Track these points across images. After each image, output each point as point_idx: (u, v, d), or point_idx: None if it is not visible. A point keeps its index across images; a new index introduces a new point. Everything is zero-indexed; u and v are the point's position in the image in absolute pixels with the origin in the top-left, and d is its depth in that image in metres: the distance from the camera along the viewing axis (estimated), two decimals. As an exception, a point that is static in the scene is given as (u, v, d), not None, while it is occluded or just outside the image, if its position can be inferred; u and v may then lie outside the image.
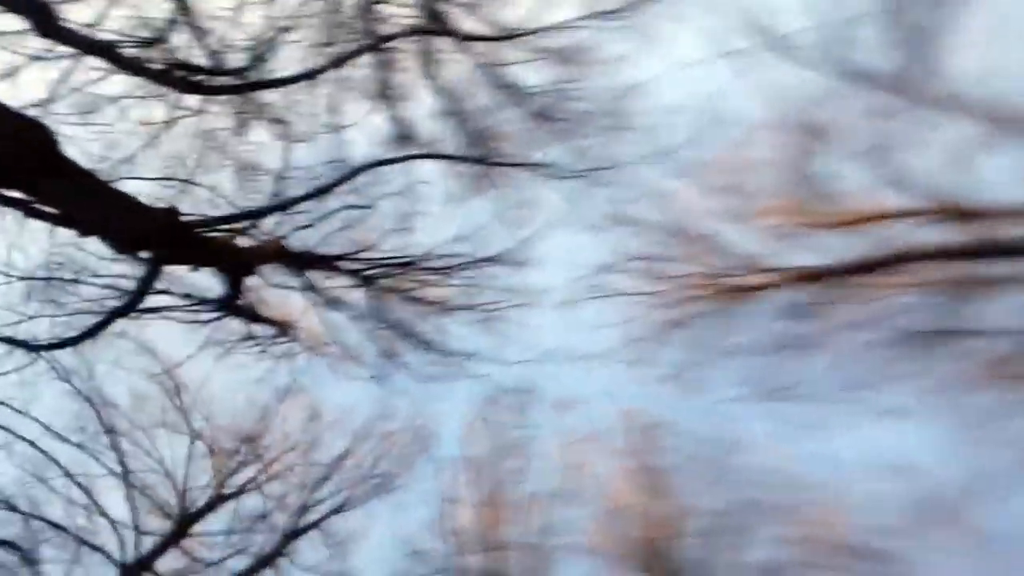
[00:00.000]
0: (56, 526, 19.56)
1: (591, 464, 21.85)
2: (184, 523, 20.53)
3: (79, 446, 19.53)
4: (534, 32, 17.88)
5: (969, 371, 16.81)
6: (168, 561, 20.30)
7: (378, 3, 17.40)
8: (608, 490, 21.73)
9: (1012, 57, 15.12)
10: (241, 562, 20.90)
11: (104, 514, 19.90)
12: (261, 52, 16.29)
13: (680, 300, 19.02)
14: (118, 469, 20.04)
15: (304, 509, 21.57)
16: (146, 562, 19.82)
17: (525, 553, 21.05)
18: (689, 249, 18.91)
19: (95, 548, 19.71)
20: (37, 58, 14.95)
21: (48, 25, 13.89)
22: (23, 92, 14.92)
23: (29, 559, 19.20)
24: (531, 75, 18.54)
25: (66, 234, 15.48)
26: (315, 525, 21.53)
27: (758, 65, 16.76)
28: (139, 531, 19.97)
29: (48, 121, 13.61)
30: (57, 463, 19.27)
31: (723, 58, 16.86)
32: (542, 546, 21.12)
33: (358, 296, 18.69)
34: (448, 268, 18.73)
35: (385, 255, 18.35)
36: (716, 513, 20.31)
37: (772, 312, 18.33)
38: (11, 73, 14.94)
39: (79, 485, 19.66)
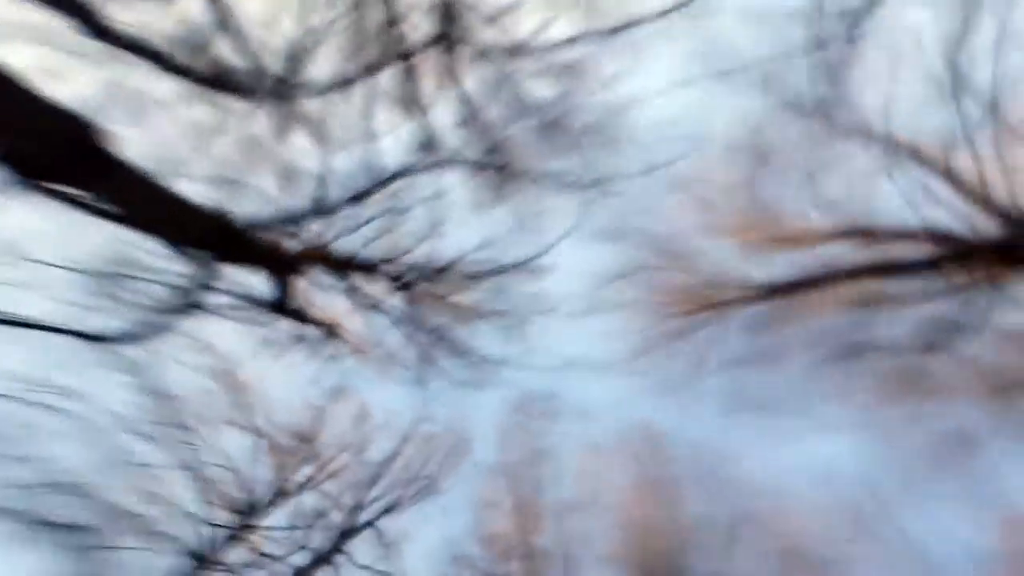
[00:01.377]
0: (128, 514, 19.82)
1: (605, 474, 22.41)
2: (248, 517, 20.99)
3: (148, 438, 20.00)
4: (542, 46, 18.27)
5: (881, 386, 18.52)
6: (231, 553, 20.67)
7: (402, 16, 17.62)
8: (619, 501, 22.25)
9: (907, 91, 17.09)
10: (301, 558, 21.22)
11: (172, 505, 20.34)
12: (298, 59, 16.59)
13: (674, 313, 20.27)
14: (182, 462, 20.48)
15: (358, 508, 21.90)
16: (214, 552, 20.27)
17: (548, 561, 21.37)
18: (681, 263, 20.14)
19: (168, 538, 20.12)
20: (92, 60, 15.32)
21: (100, 27, 14.63)
22: (77, 91, 15.08)
23: (101, 543, 19.57)
24: (542, 87, 18.98)
25: (125, 232, 15.92)
26: (368, 524, 21.79)
27: (722, 90, 18.24)
28: (206, 523, 20.42)
29: (101, 121, 14.01)
30: (127, 454, 19.76)
31: (703, 80, 18.12)
32: (562, 554, 21.42)
33: (396, 300, 19.14)
34: (475, 274, 19.18)
35: (418, 260, 18.80)
36: (707, 525, 21.07)
37: (740, 326, 19.92)
38: (70, 75, 15.15)
39: (146, 476, 20.10)
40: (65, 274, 16.82)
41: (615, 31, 18.14)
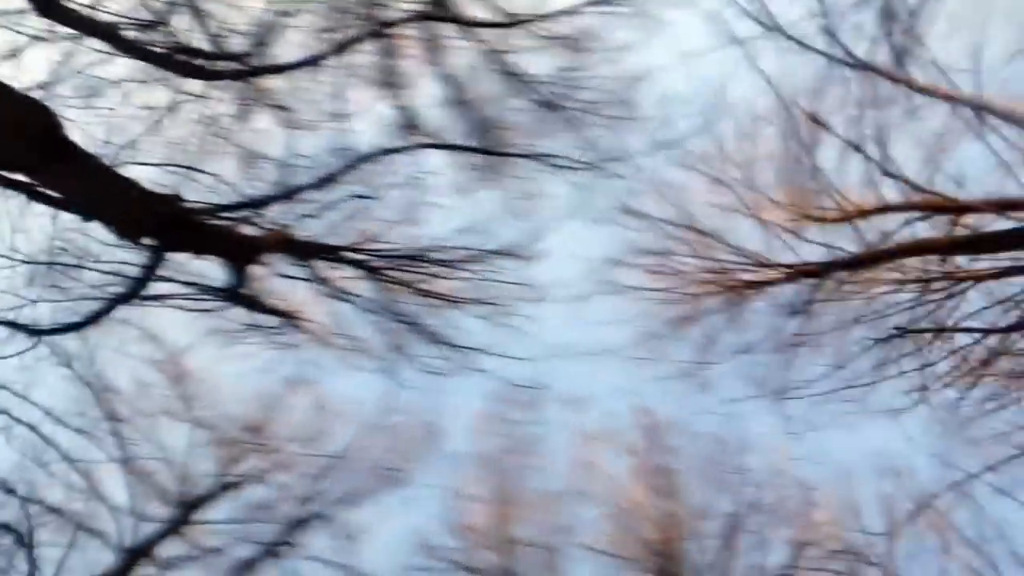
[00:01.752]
0: (54, 510, 19.44)
1: (601, 462, 22.16)
2: (185, 510, 20.44)
3: (80, 431, 19.30)
4: (539, 19, 17.52)
5: (958, 369, 17.30)
6: (169, 548, 20.21)
7: None
8: (618, 489, 22.03)
9: (995, 46, 15.02)
10: (244, 551, 20.86)
11: (103, 499, 19.82)
12: (263, 37, 16.00)
13: (687, 296, 19.12)
14: (119, 455, 19.91)
15: (309, 499, 21.58)
16: (145, 548, 19.74)
17: (535, 551, 21.21)
18: (695, 244, 18.98)
19: (93, 532, 19.64)
20: (39, 39, 14.51)
21: (49, 5, 13.60)
22: (25, 73, 14.37)
23: (26, 542, 19.01)
24: (537, 63, 18.25)
25: (70, 219, 15.36)
26: (319, 515, 21.49)
27: (760, 53, 16.52)
28: (139, 517, 19.89)
29: (51, 103, 13.47)
30: (57, 448, 19.10)
31: (726, 46, 16.52)
32: (552, 544, 21.34)
33: (365, 287, 18.52)
34: (455, 261, 18.53)
35: (391, 246, 18.13)
36: (723, 515, 20.84)
37: (774, 309, 18.66)
38: (13, 54, 14.41)
39: (79, 470, 19.53)
40: (5, 263, 16.15)
41: None
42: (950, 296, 16.98)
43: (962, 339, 17.26)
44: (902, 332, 17.51)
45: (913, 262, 17.16)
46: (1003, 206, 15.54)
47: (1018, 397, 17.16)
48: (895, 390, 17.85)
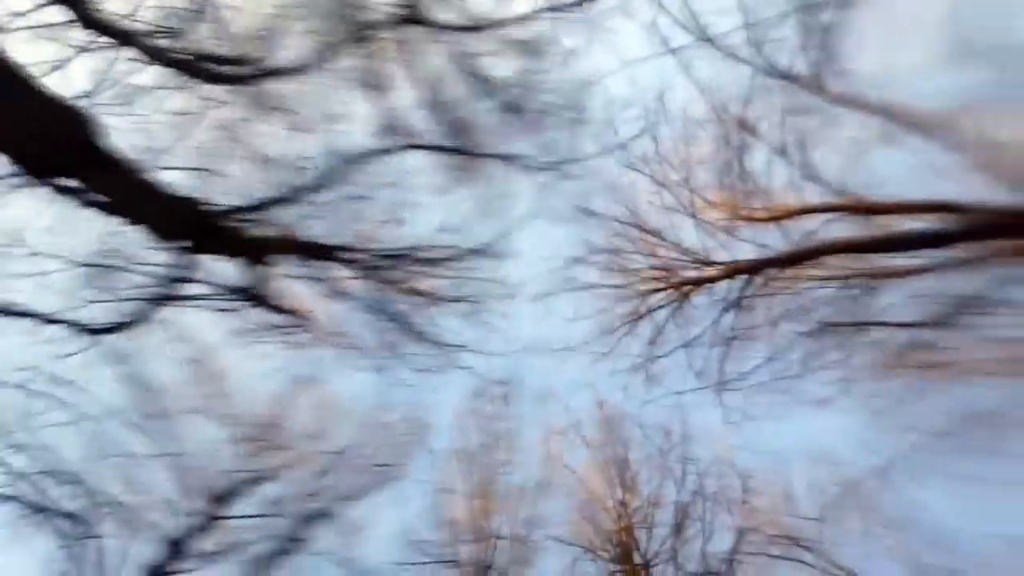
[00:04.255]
0: (113, 503, 20.84)
1: (565, 456, 23.51)
2: (214, 506, 21.66)
3: (134, 426, 21.08)
4: (497, 24, 18.58)
5: (878, 361, 18.21)
6: (204, 542, 21.37)
7: None
8: (580, 482, 23.13)
9: (905, 58, 16.60)
10: (262, 545, 21.96)
11: (155, 492, 21.29)
12: (265, 42, 17.41)
13: (637, 293, 20.23)
14: (162, 451, 21.34)
15: (315, 495, 22.68)
16: (187, 540, 21.03)
17: (509, 544, 22.12)
18: (645, 243, 20.10)
19: (147, 526, 21.02)
20: (82, 49, 16.00)
21: (89, 16, 15.28)
22: (71, 83, 15.79)
23: (90, 532, 20.48)
24: (499, 66, 19.24)
25: (114, 222, 16.57)
26: (325, 512, 22.54)
27: (694, 62, 17.97)
28: (182, 510, 21.28)
29: (93, 111, 14.93)
30: (113, 443, 20.82)
31: (663, 54, 17.92)
32: (524, 537, 22.31)
33: (359, 287, 19.55)
34: (436, 260, 19.49)
35: (381, 246, 19.16)
36: (672, 504, 21.91)
37: (714, 305, 19.69)
38: (60, 65, 15.87)
39: (134, 464, 21.14)
40: (59, 264, 17.55)
41: (573, 5, 18.47)
42: (869, 292, 17.90)
43: (881, 333, 18.16)
44: (826, 326, 18.53)
45: (836, 260, 18.04)
46: (913, 208, 16.80)
47: (932, 387, 17.73)
48: (823, 381, 18.98)
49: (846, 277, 17.93)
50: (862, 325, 18.10)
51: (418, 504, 22.65)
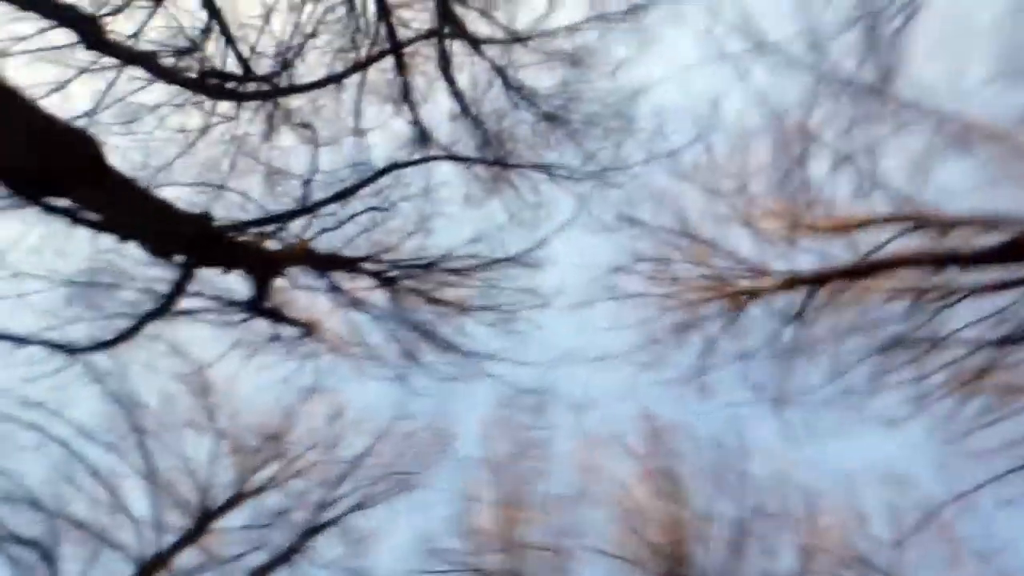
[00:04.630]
0: (78, 524, 20.26)
1: (607, 467, 22.63)
2: (203, 520, 21.14)
3: (108, 446, 20.36)
4: (542, 36, 18.61)
5: (953, 381, 17.45)
6: (187, 557, 20.93)
7: (396, 8, 17.98)
8: (624, 493, 22.35)
9: (975, 68, 15.67)
10: (259, 558, 21.58)
11: (126, 512, 20.68)
12: (287, 58, 16.95)
13: (688, 303, 19.41)
14: (143, 468, 20.83)
15: (324, 506, 22.30)
16: (163, 558, 20.44)
17: (543, 555, 21.56)
18: (695, 252, 19.32)
19: (114, 546, 20.43)
20: (84, 70, 15.49)
21: (94, 37, 14.42)
22: (71, 103, 15.38)
23: (48, 557, 19.81)
24: (540, 77, 19.21)
25: (107, 240, 15.72)
26: (334, 522, 22.24)
27: (752, 69, 17.18)
28: (160, 529, 20.67)
29: (94, 131, 14.04)
30: (85, 463, 20.10)
31: (719, 62, 17.23)
32: (560, 548, 21.73)
33: (380, 297, 19.12)
34: (466, 269, 19.10)
35: (405, 257, 18.76)
36: (729, 520, 21.02)
37: (772, 316, 18.89)
38: (61, 86, 15.39)
39: (104, 484, 20.48)
40: (42, 284, 16.99)
41: (623, 16, 18.49)
42: (943, 308, 17.32)
43: (956, 351, 17.43)
44: (897, 342, 17.83)
45: (907, 274, 17.57)
46: (988, 222, 16.21)
47: (1013, 410, 17.43)
48: (893, 399, 18.18)
49: (918, 292, 17.36)
50: (936, 342, 17.45)
51: (441, 513, 22.14)
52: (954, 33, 16.19)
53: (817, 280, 18.15)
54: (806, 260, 18.46)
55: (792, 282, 18.36)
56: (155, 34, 15.96)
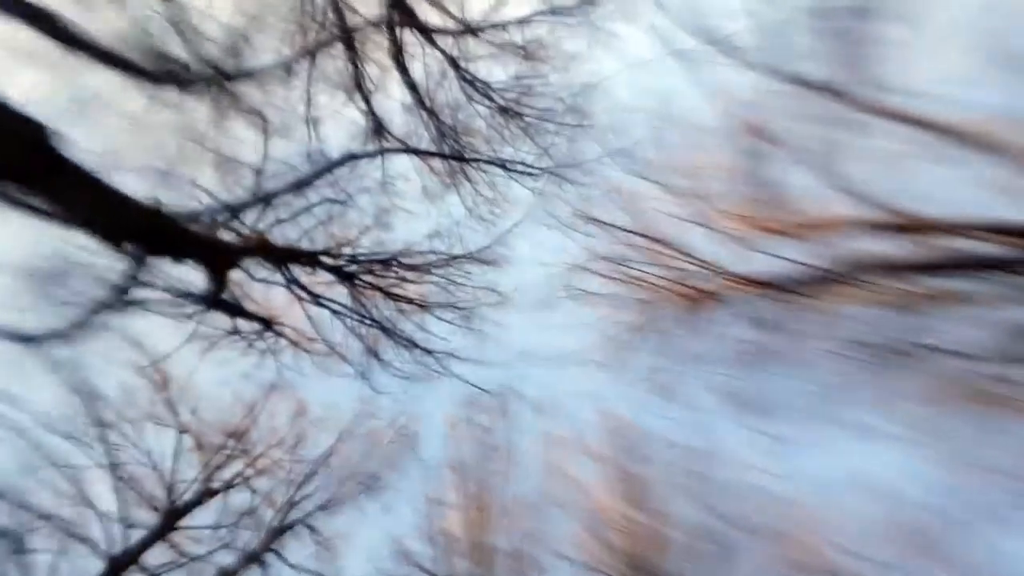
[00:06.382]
0: (45, 516, 19.87)
1: (569, 468, 22.06)
2: (171, 517, 20.74)
3: (69, 437, 19.96)
4: (494, 27, 18.26)
5: (929, 390, 16.74)
6: (155, 554, 20.51)
7: None
8: (587, 496, 21.86)
9: (942, 68, 15.38)
10: (227, 557, 21.15)
11: (92, 506, 20.25)
12: (235, 45, 16.57)
13: (647, 303, 19.10)
14: (105, 461, 20.43)
15: (290, 505, 21.85)
16: (133, 555, 20.04)
17: (507, 557, 21.14)
18: (651, 251, 18.94)
19: (82, 540, 20.00)
20: (32, 55, 15.06)
21: (42, 23, 14.27)
22: (20, 89, 14.61)
23: (18, 548, 19.47)
24: (493, 70, 18.94)
25: (56, 228, 15.28)
26: (301, 522, 21.78)
27: (705, 66, 16.92)
28: (127, 524, 20.28)
29: (43, 117, 13.83)
30: (48, 454, 19.72)
31: (671, 58, 16.95)
32: (523, 551, 21.26)
33: (340, 292, 18.81)
34: (425, 265, 18.83)
35: (363, 251, 18.53)
36: (698, 528, 20.36)
37: (734, 319, 18.48)
38: (13, 72, 15.13)
39: (68, 477, 20.07)
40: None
41: (575, 9, 18.22)
42: (916, 316, 16.75)
43: (932, 361, 16.80)
44: (868, 350, 17.26)
45: (878, 279, 16.92)
46: (964, 228, 15.60)
47: (989, 420, 16.62)
48: (862, 408, 17.60)
49: (890, 298, 16.80)
50: (909, 351, 16.79)
51: (405, 516, 21.89)
52: (925, 33, 15.62)
53: (781, 283, 17.74)
54: (767, 261, 17.94)
55: (753, 283, 18.02)
56: (105, 20, 15.50)
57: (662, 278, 18.90)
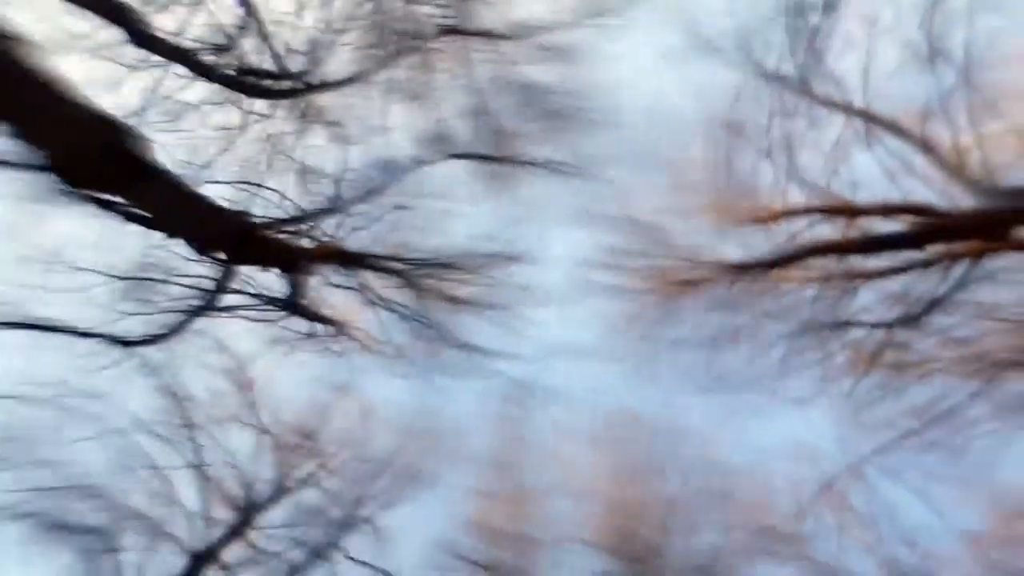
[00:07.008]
0: (137, 515, 21.03)
1: (576, 458, 23.49)
2: (248, 515, 21.93)
3: (161, 438, 21.28)
4: (536, 32, 19.15)
5: (853, 360, 18.64)
6: (233, 551, 21.66)
7: (416, 4, 18.65)
8: (590, 483, 23.20)
9: (883, 60, 16.79)
10: (298, 554, 22.21)
11: (178, 504, 21.43)
12: (316, 56, 17.76)
13: (637, 294, 20.51)
14: (194, 461, 21.63)
15: (356, 503, 22.91)
16: (213, 551, 21.21)
17: (536, 549, 22.37)
18: (644, 245, 20.36)
19: (167, 537, 21.15)
20: (133, 68, 16.41)
21: (142, 35, 15.57)
22: (122, 101, 16.20)
23: (110, 546, 20.63)
24: (533, 74, 19.80)
25: (156, 236, 16.74)
26: (365, 520, 22.78)
27: (691, 65, 18.44)
28: (208, 522, 21.47)
29: (141, 128, 15.06)
30: (141, 454, 21.07)
31: (662, 59, 18.61)
32: (549, 541, 22.53)
33: (402, 295, 19.84)
34: (471, 267, 19.90)
35: (420, 255, 19.55)
36: (670, 502, 21.97)
37: (706, 305, 19.95)
38: (114, 83, 16.28)
39: (159, 476, 21.32)
40: (99, 279, 17.90)
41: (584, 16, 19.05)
42: (847, 293, 18.41)
43: (857, 333, 18.70)
44: (806, 326, 18.87)
45: (818, 261, 18.56)
46: (888, 210, 17.33)
47: (903, 386, 18.47)
48: (802, 380, 19.21)
49: (826, 278, 18.42)
50: (839, 325, 18.64)
51: (451, 510, 23.02)
52: (869, 25, 16.98)
53: (741, 269, 19.19)
54: (737, 251, 19.49)
55: (720, 272, 19.37)
56: (196, 31, 16.70)
57: (650, 269, 20.34)
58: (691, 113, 19.25)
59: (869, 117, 17.26)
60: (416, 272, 19.61)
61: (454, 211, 19.91)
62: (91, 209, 15.32)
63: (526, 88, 19.81)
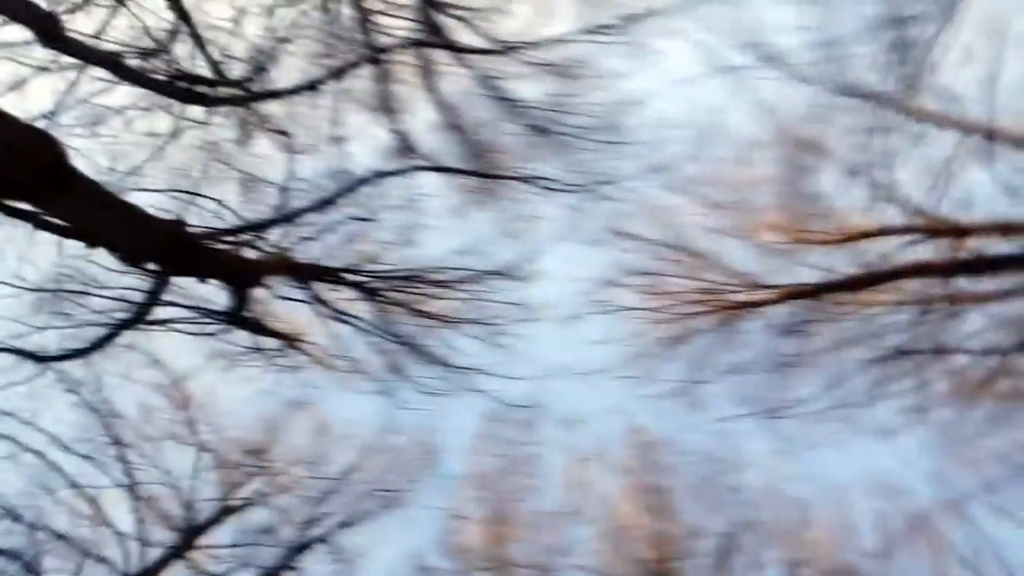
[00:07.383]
0: (60, 537, 19.66)
1: (595, 482, 21.84)
2: (189, 535, 20.57)
3: (86, 457, 19.67)
4: (531, 46, 18.17)
5: (955, 389, 17.15)
6: (173, 574, 20.35)
7: (375, 15, 17.71)
8: (612, 509, 21.68)
9: (997, 75, 15.29)
10: (246, 575, 20.98)
11: (109, 525, 20.06)
12: (261, 63, 16.62)
13: (680, 316, 19.04)
14: (124, 481, 20.19)
15: (310, 523, 21.57)
16: (150, 573, 19.90)
17: (531, 572, 20.92)
18: (688, 265, 19.01)
19: (99, 559, 19.83)
20: (43, 69, 15.06)
21: (54, 36, 14.04)
22: (31, 104, 14.94)
23: (32, 570, 19.27)
24: (529, 88, 18.82)
25: (75, 246, 15.27)
26: (321, 539, 21.46)
27: (753, 81, 16.98)
28: (144, 543, 20.08)
29: (56, 133, 13.58)
30: (63, 474, 19.50)
31: (718, 74, 17.07)
32: (548, 565, 20.95)
33: (363, 309, 18.69)
34: (451, 281, 18.77)
35: (388, 268, 18.46)
36: (718, 534, 20.29)
37: (768, 329, 18.55)
38: (19, 85, 15.02)
39: (85, 496, 19.89)
40: (14, 292, 16.55)
41: (614, 28, 18.03)
42: (949, 317, 16.98)
43: (961, 360, 17.19)
44: (899, 353, 17.42)
45: (913, 284, 17.27)
46: (1003, 229, 15.87)
47: (1016, 417, 17.06)
48: (890, 410, 17.78)
49: (923, 301, 17.10)
50: (939, 352, 17.21)
51: (428, 531, 21.69)
52: (985, 38, 15.44)
53: (815, 292, 17.96)
54: (809, 273, 18.15)
55: (787, 294, 18.15)
56: (118, 34, 15.53)
57: (696, 291, 18.96)
58: (748, 130, 18.04)
59: (988, 132, 15.72)
60: (379, 285, 18.38)
61: (429, 224, 18.78)
62: (4, 219, 14.05)
63: (518, 103, 18.79)
